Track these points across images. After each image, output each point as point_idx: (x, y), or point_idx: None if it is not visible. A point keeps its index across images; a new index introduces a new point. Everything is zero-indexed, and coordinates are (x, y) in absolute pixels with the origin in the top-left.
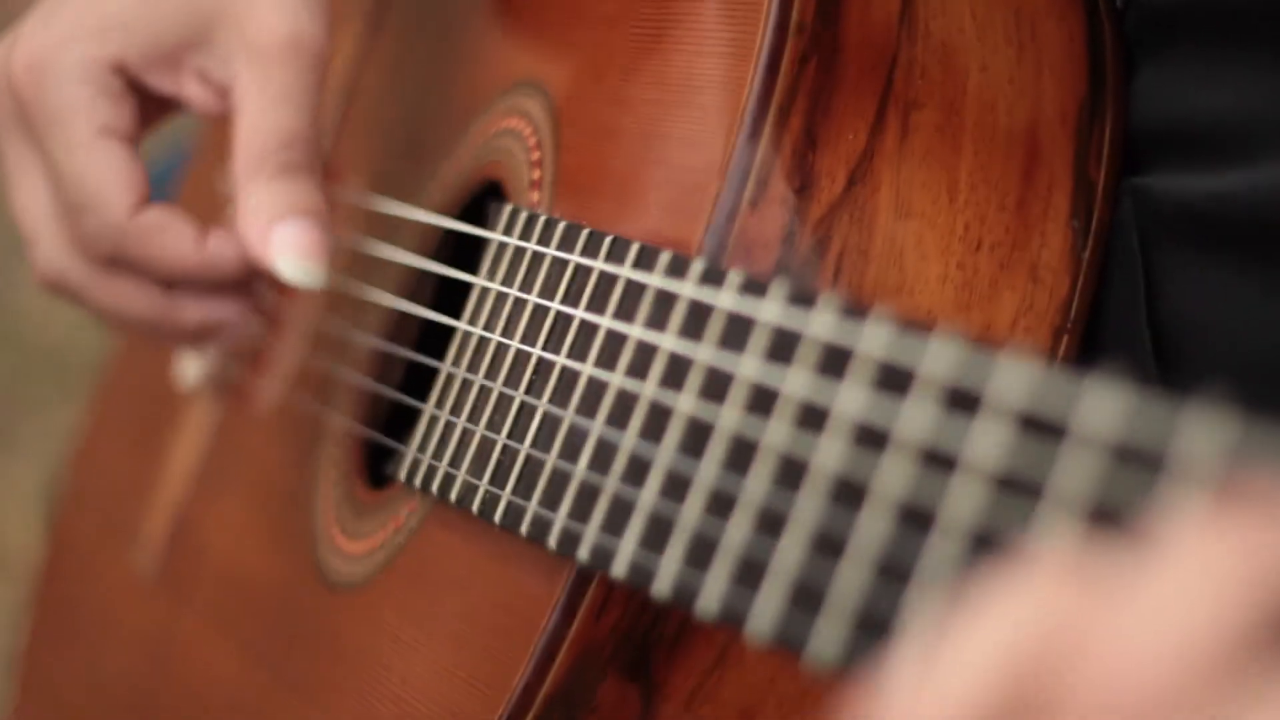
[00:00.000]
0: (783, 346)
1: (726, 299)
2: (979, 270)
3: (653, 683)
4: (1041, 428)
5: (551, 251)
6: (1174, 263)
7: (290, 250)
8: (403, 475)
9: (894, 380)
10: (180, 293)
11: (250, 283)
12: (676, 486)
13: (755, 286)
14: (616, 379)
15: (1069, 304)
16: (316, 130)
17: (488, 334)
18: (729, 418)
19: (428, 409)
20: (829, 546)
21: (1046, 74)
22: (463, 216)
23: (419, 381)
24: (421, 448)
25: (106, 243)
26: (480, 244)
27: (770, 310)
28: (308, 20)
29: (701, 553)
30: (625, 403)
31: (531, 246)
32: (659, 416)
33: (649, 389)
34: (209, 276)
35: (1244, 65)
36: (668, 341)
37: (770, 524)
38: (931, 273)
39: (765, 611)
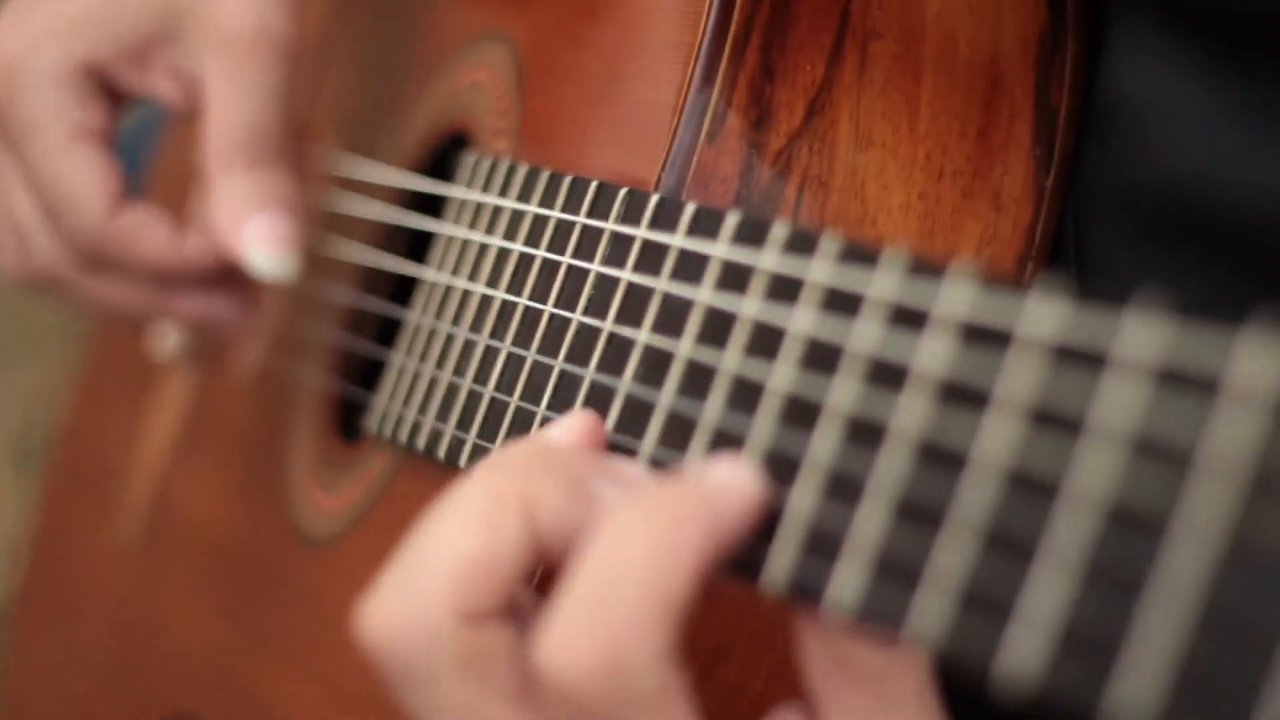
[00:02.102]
0: (735, 276)
1: (680, 234)
2: (941, 199)
3: None
4: (985, 336)
5: (510, 200)
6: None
7: (261, 244)
8: (374, 427)
9: (842, 303)
10: (172, 286)
11: (239, 273)
12: (638, 417)
13: (708, 217)
14: (577, 316)
15: (1033, 231)
16: (288, 121)
17: (453, 281)
18: (686, 347)
19: (396, 359)
20: (785, 467)
21: (1006, 3)
22: (432, 169)
23: (392, 335)
24: (390, 398)
25: (87, 244)
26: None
27: (723, 243)
28: (275, 12)
29: None
30: (586, 338)
31: (492, 194)
32: (619, 350)
33: (608, 324)
34: (191, 273)
35: (1187, 49)
36: (626, 275)
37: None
38: (894, 203)
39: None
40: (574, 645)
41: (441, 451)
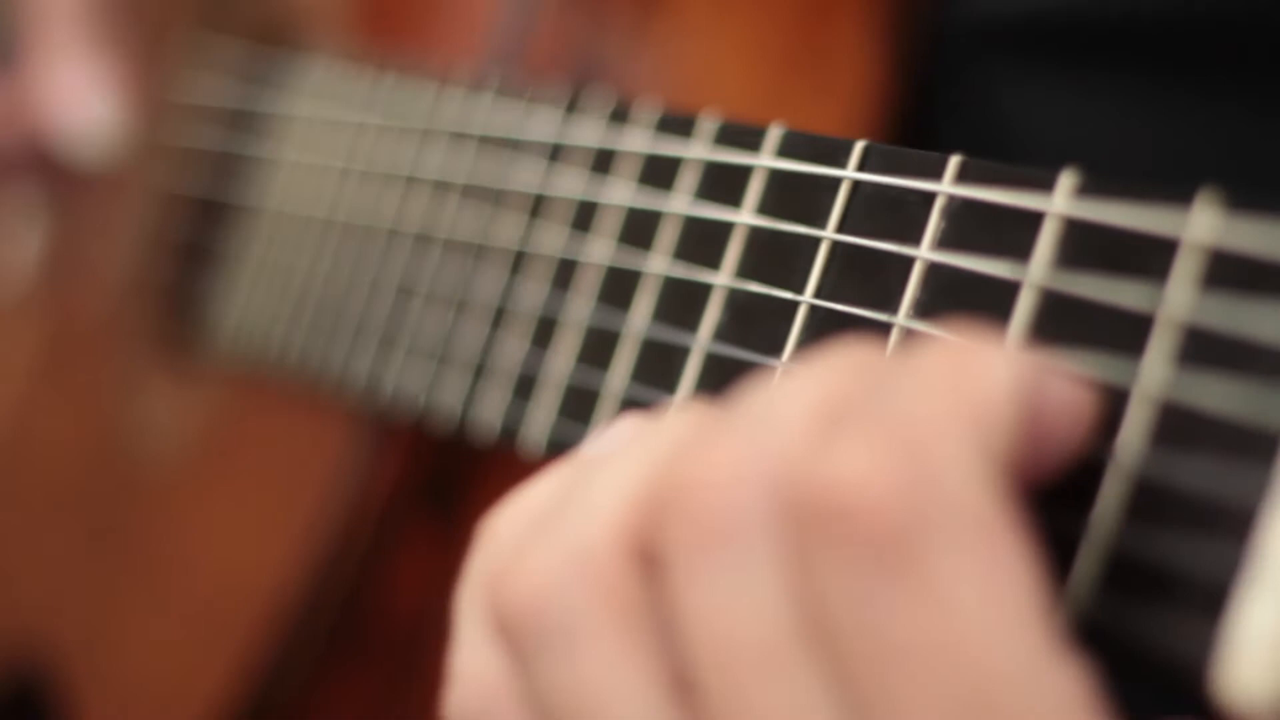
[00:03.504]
0: (557, 154)
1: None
2: (781, 85)
3: (454, 519)
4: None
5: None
6: (994, 73)
7: (87, 125)
8: (210, 333)
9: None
10: None
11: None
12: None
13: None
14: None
15: (882, 119)
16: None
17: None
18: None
19: (228, 259)
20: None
21: None
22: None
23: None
24: (226, 301)
25: None
26: None
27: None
28: None
29: (480, 372)
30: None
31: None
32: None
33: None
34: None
35: None
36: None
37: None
38: (729, 89)
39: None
40: (867, 455)
41: (273, 354)
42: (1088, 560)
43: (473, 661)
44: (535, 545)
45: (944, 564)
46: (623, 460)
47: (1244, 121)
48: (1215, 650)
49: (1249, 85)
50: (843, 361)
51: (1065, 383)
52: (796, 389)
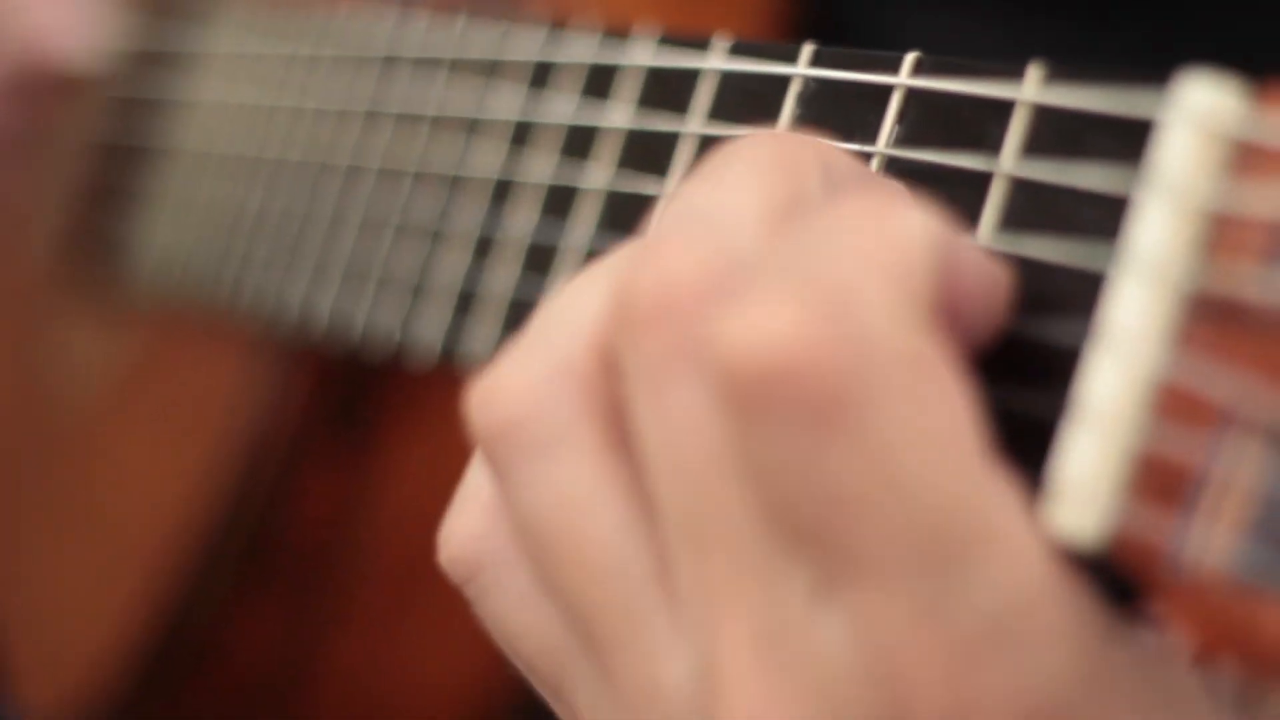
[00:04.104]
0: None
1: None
2: (689, 16)
3: (362, 443)
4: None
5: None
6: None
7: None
8: (132, 273)
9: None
10: None
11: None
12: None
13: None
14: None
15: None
16: None
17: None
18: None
19: (150, 200)
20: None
21: None
22: None
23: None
24: (147, 240)
25: None
26: None
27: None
28: None
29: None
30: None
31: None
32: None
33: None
34: None
35: None
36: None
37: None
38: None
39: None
40: (781, 313)
41: (190, 287)
42: None
43: (463, 489)
44: (512, 363)
45: (882, 412)
46: (587, 280)
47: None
48: (1044, 491)
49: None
50: (771, 159)
51: (981, 252)
52: (739, 187)
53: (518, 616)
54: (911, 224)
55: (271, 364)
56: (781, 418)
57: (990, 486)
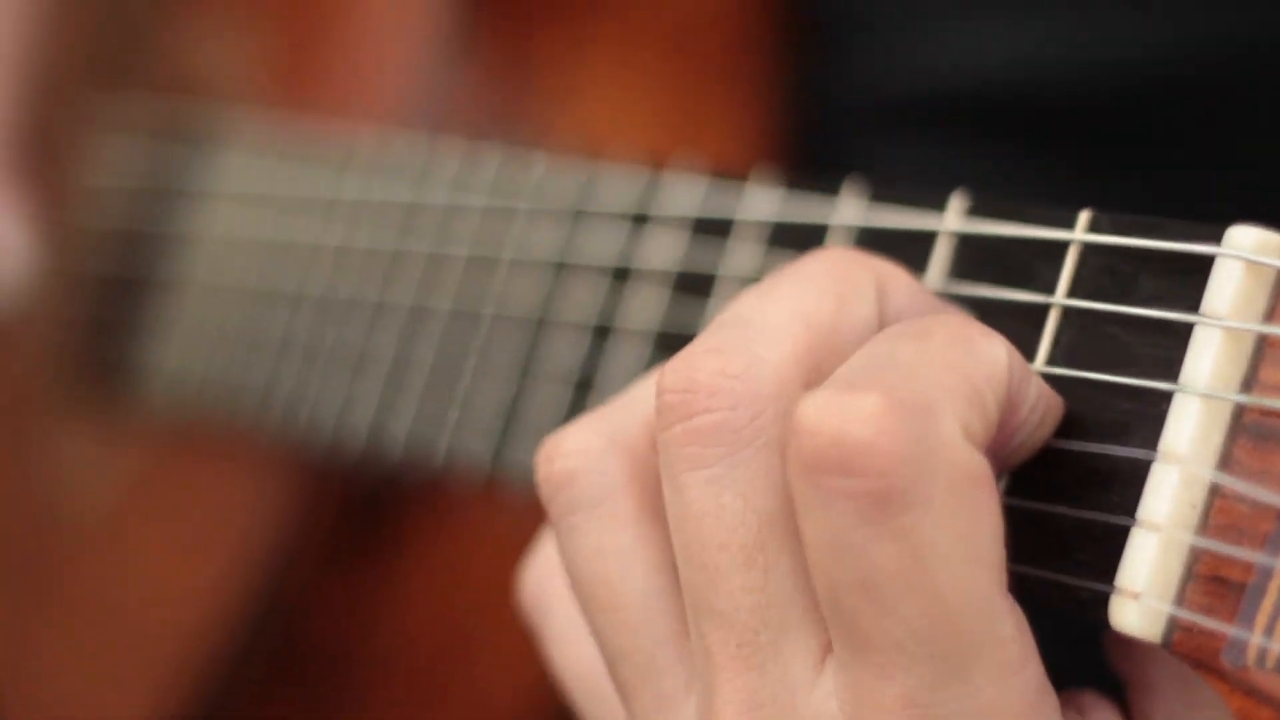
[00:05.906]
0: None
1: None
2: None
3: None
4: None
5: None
6: (876, 142)
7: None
8: (140, 391)
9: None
10: None
11: None
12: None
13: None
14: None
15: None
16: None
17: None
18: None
19: (157, 314)
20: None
21: None
22: None
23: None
24: (150, 354)
25: None
26: None
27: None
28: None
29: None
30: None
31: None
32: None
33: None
34: None
35: None
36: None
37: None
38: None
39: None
40: (867, 397)
41: (204, 403)
42: None
43: (539, 540)
44: (579, 426)
45: (932, 514)
46: (660, 367)
47: (1080, 179)
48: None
49: (1087, 150)
50: (825, 274)
51: (1042, 383)
52: (786, 297)
53: (565, 651)
54: (997, 351)
55: (295, 473)
56: (844, 489)
57: (1003, 602)
